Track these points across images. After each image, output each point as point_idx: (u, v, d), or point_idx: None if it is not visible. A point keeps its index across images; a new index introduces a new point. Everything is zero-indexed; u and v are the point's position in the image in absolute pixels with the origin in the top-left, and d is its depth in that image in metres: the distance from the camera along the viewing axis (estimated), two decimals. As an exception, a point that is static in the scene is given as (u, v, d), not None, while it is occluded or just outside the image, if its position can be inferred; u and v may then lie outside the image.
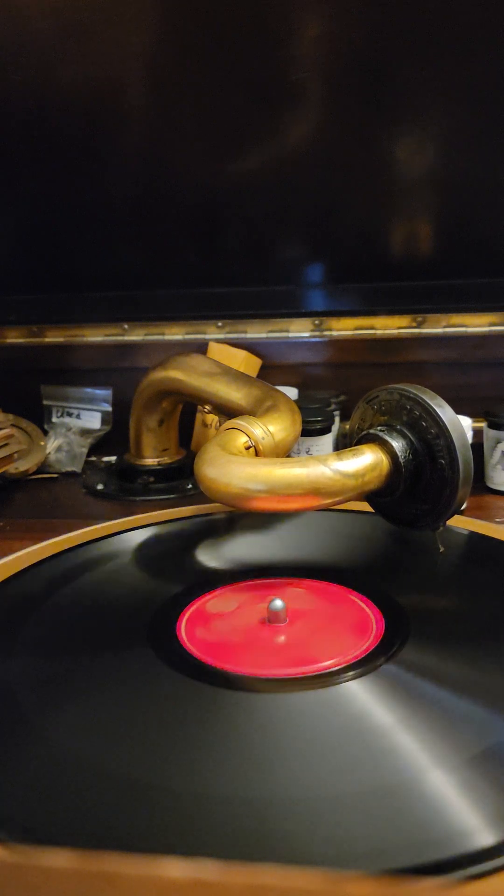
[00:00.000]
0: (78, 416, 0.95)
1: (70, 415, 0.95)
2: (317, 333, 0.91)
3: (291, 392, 0.86)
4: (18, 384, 0.95)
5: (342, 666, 0.44)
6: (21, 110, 0.85)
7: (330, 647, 0.46)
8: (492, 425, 0.75)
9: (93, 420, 0.95)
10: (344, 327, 0.91)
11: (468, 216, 0.87)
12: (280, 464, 0.52)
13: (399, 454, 0.54)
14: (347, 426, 0.73)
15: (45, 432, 0.90)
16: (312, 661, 0.44)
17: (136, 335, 0.94)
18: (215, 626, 0.49)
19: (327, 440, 0.79)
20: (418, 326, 0.89)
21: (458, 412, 0.57)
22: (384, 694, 0.41)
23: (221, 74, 0.81)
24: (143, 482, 0.80)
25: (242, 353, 0.89)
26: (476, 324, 0.88)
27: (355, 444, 0.57)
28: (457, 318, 0.89)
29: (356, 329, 0.91)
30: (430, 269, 0.89)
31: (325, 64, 0.80)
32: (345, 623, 0.49)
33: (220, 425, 0.64)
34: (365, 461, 0.54)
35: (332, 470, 0.52)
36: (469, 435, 0.71)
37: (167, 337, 0.94)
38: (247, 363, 0.89)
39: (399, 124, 0.83)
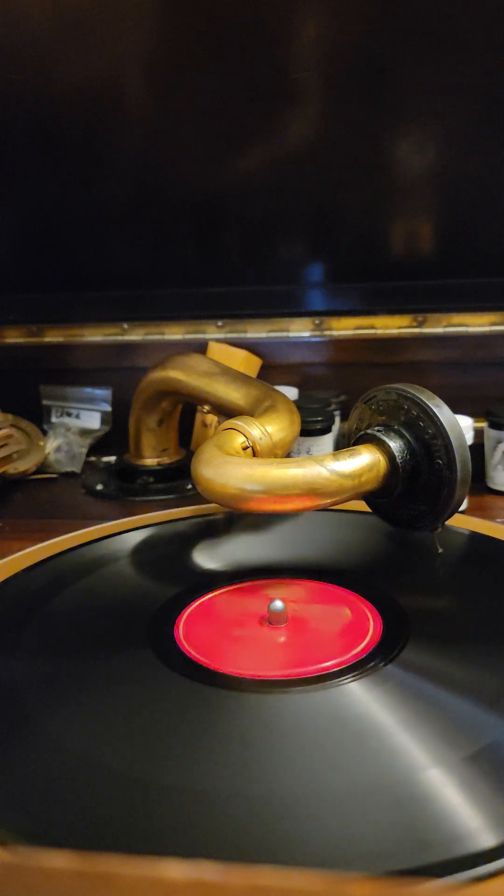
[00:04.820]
0: (77, 417, 0.95)
1: (69, 415, 0.95)
2: (317, 333, 0.91)
3: (291, 392, 0.86)
4: (18, 384, 0.95)
5: (342, 667, 0.44)
6: (21, 110, 0.85)
7: (330, 647, 0.46)
8: (493, 425, 0.75)
9: (92, 420, 0.95)
10: (344, 327, 0.91)
11: (468, 216, 0.87)
12: (277, 464, 0.52)
13: (396, 454, 0.54)
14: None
15: (45, 432, 0.90)
16: (312, 662, 0.44)
17: (135, 335, 0.94)
18: (215, 626, 0.49)
19: (327, 440, 0.79)
20: (419, 326, 0.89)
21: (458, 412, 0.57)
22: (384, 694, 0.41)
23: (221, 74, 0.81)
24: (143, 482, 0.80)
25: (242, 353, 0.89)
26: (477, 323, 0.88)
27: (352, 445, 0.56)
28: (457, 318, 0.89)
29: (356, 329, 0.91)
30: (430, 268, 0.89)
31: (325, 63, 0.80)
32: (344, 624, 0.49)
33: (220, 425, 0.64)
34: (362, 461, 0.53)
35: (328, 470, 0.52)
36: (469, 435, 0.71)
37: (167, 337, 0.94)
38: (247, 363, 0.89)
39: (399, 123, 0.83)
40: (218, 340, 0.91)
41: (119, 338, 0.95)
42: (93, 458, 0.90)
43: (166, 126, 0.86)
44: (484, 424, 0.76)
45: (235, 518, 0.65)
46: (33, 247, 0.96)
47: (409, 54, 0.78)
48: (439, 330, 0.89)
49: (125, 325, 0.94)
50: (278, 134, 0.85)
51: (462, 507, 0.70)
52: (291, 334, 0.92)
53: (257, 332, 0.92)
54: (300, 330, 0.92)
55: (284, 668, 0.44)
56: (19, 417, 0.89)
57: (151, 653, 0.46)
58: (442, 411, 0.53)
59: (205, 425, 0.88)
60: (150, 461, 0.81)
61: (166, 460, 0.81)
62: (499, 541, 0.59)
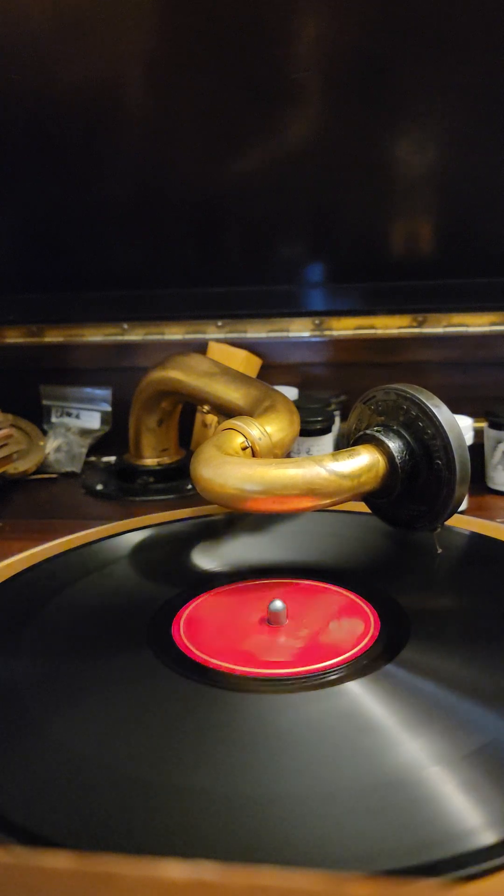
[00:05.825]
0: (77, 417, 0.95)
1: (69, 415, 0.95)
2: (317, 333, 0.91)
3: (291, 392, 0.86)
4: (18, 384, 0.95)
5: (342, 666, 0.44)
6: (21, 110, 0.85)
7: (330, 647, 0.46)
8: (493, 425, 0.75)
9: (92, 420, 0.95)
10: (344, 327, 0.91)
11: (468, 216, 0.87)
12: (276, 464, 0.52)
13: (395, 455, 0.54)
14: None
15: (45, 432, 0.90)
16: (312, 662, 0.44)
17: (135, 335, 0.94)
18: (215, 626, 0.49)
19: (327, 440, 0.79)
20: (419, 326, 0.89)
21: (458, 412, 0.57)
22: (384, 694, 0.41)
23: (221, 74, 0.81)
24: (143, 482, 0.80)
25: (242, 353, 0.89)
26: (477, 323, 0.88)
27: (351, 445, 0.56)
28: (457, 318, 0.89)
29: (356, 329, 0.91)
30: (430, 268, 0.89)
31: (325, 63, 0.80)
32: (344, 623, 0.49)
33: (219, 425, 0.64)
34: (361, 462, 0.53)
35: (327, 471, 0.52)
36: (469, 435, 0.71)
37: (167, 337, 0.94)
38: (247, 363, 0.89)
39: (399, 123, 0.83)
40: (218, 340, 0.91)
41: (119, 338, 0.95)
42: (93, 458, 0.90)
43: (166, 126, 0.86)
44: (484, 424, 0.76)
45: (235, 518, 0.65)
46: (33, 247, 0.96)
47: (409, 54, 0.78)
48: (439, 330, 0.89)
49: (125, 325, 0.94)
50: (278, 134, 0.85)
51: (462, 507, 0.70)
52: (291, 334, 0.92)
53: (257, 332, 0.92)
54: (300, 330, 0.92)
55: (284, 667, 0.44)
56: (19, 417, 0.89)
57: (151, 653, 0.46)
58: (441, 411, 0.53)
59: (205, 425, 0.88)
60: (150, 461, 0.81)
61: (166, 460, 0.81)
62: (499, 541, 0.59)
